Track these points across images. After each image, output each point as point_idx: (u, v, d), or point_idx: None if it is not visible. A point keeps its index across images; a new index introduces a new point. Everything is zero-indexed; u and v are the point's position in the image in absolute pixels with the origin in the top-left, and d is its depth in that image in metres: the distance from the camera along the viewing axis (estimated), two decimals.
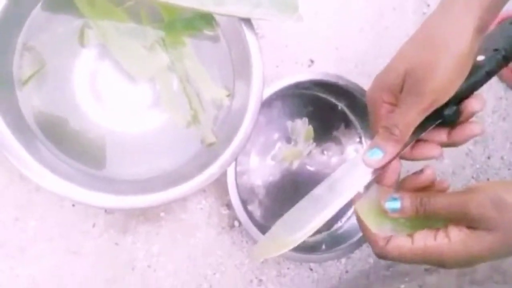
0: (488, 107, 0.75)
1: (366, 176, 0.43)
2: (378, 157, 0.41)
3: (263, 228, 0.60)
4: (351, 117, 0.65)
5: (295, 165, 0.63)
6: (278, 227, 0.43)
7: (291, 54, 0.66)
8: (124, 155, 0.53)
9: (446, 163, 0.73)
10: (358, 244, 0.61)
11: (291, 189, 0.63)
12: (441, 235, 0.40)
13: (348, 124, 0.66)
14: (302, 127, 0.62)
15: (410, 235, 0.41)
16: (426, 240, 0.40)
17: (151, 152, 0.53)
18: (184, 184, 0.50)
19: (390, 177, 0.44)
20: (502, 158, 0.77)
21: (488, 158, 0.76)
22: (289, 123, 0.63)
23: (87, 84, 0.53)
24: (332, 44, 0.68)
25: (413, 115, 0.40)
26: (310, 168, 0.64)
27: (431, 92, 0.39)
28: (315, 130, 0.63)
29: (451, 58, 0.39)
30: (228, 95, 0.54)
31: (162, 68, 0.52)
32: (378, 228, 0.42)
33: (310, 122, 0.63)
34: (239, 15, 0.47)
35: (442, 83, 0.39)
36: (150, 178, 0.52)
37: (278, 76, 0.62)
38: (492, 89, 0.76)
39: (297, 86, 0.60)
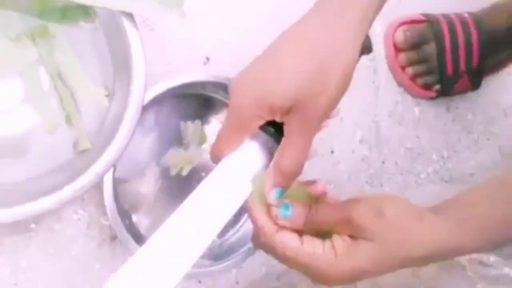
0: (384, 111, 0.76)
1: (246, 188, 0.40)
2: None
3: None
4: None
5: (186, 171, 0.59)
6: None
7: (185, 51, 0.62)
8: None
9: (341, 169, 0.73)
10: (250, 252, 0.59)
11: (184, 196, 0.59)
12: (327, 245, 0.39)
13: None
14: (195, 130, 0.58)
15: (300, 235, 0.39)
16: (315, 247, 0.38)
17: (16, 157, 0.47)
18: (51, 195, 0.45)
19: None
20: (396, 163, 0.78)
21: (383, 163, 0.77)
22: (182, 125, 0.59)
23: None
24: (230, 41, 0.65)
25: (309, 142, 0.39)
26: (204, 174, 0.60)
27: (324, 115, 0.39)
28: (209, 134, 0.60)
29: (341, 77, 0.38)
30: (106, 95, 0.49)
31: (29, 62, 0.46)
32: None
33: (205, 125, 0.60)
34: (117, 8, 0.43)
35: (332, 104, 0.39)
36: (13, 187, 0.46)
37: (170, 74, 0.58)
38: (389, 93, 0.77)
39: (190, 85, 0.57)
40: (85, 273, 0.55)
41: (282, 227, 0.39)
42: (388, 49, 0.75)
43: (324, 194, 0.41)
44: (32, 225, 0.52)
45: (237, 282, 0.64)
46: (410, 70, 0.74)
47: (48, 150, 0.48)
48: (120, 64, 0.49)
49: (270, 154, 0.42)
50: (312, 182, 0.42)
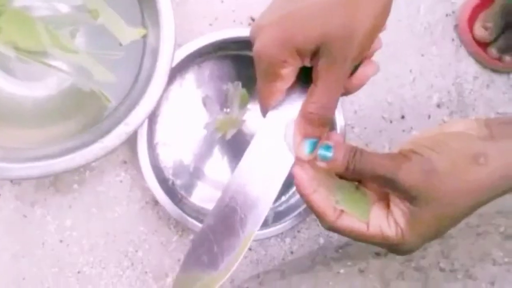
0: (467, 72, 0.66)
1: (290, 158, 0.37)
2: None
3: (194, 207, 0.55)
4: None
5: (230, 135, 0.56)
6: (189, 261, 0.37)
7: (228, 11, 0.58)
8: (20, 120, 0.48)
9: None
10: (303, 216, 0.55)
11: (226, 161, 0.58)
12: (391, 221, 0.36)
13: None
14: (236, 92, 0.56)
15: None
16: (382, 226, 0.36)
17: (50, 118, 0.49)
18: (83, 150, 0.45)
19: None
20: None
21: None
22: (223, 87, 0.56)
23: None
24: None
25: (339, 85, 0.34)
26: (247, 137, 0.57)
27: (357, 54, 0.34)
28: (251, 96, 0.56)
29: (375, 9, 0.33)
30: (144, 35, 0.48)
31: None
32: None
33: (246, 86, 0.56)
34: None
35: (367, 41, 0.34)
36: (45, 146, 0.47)
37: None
38: None
39: (232, 43, 0.53)
40: (129, 234, 0.55)
41: (341, 212, 0.36)
42: (469, 43, 0.66)
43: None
44: (75, 186, 0.54)
45: (291, 252, 0.61)
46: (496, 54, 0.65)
47: (81, 109, 0.49)
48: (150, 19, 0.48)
49: None
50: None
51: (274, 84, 0.36)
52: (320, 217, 0.37)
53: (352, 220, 0.36)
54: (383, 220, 0.36)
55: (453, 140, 0.35)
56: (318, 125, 0.35)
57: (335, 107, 0.35)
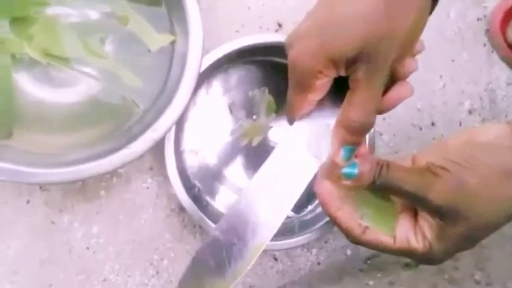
0: (500, 78, 0.65)
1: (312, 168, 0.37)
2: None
3: (219, 215, 0.55)
4: None
5: (256, 142, 0.56)
6: (196, 264, 0.36)
7: (255, 17, 0.58)
8: (48, 126, 0.49)
9: None
10: (330, 226, 0.54)
11: (253, 168, 0.57)
12: (419, 235, 0.36)
13: None
14: (262, 98, 0.55)
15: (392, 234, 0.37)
16: (409, 240, 0.36)
17: (78, 124, 0.49)
18: (110, 156, 0.45)
19: None
20: None
21: None
22: (250, 94, 0.56)
23: None
24: (303, 7, 0.60)
25: (379, 91, 0.34)
26: (273, 144, 0.56)
27: (396, 56, 0.33)
28: (277, 102, 0.55)
29: (415, 12, 0.33)
30: (172, 41, 0.48)
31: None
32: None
33: (273, 93, 0.55)
34: None
35: (407, 46, 0.34)
36: (72, 152, 0.47)
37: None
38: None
39: (259, 49, 0.53)
40: (154, 242, 0.55)
41: (366, 227, 0.36)
42: (501, 48, 0.64)
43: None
44: (102, 192, 0.54)
45: (318, 263, 0.60)
46: None
47: (109, 116, 0.49)
48: (178, 26, 0.48)
49: None
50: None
51: (306, 95, 0.35)
52: (346, 233, 0.37)
53: (378, 234, 0.36)
54: (410, 233, 0.36)
55: (483, 154, 0.34)
56: (358, 133, 0.35)
57: (376, 113, 0.35)
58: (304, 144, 0.37)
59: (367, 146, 0.55)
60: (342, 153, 0.36)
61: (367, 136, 0.55)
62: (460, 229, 0.34)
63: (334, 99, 0.36)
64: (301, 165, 0.37)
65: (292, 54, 0.34)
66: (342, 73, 0.34)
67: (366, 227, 0.36)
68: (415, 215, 0.37)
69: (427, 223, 0.35)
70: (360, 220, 0.37)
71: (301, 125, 0.37)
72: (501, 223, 0.34)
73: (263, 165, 0.37)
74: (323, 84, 0.35)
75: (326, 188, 0.37)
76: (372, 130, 0.56)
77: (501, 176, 0.33)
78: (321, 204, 0.37)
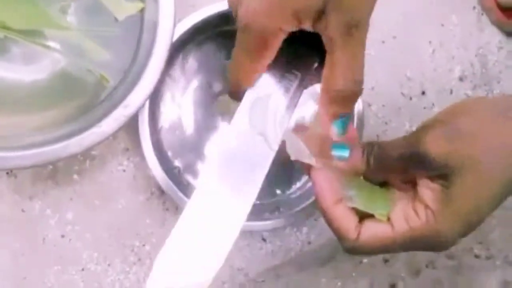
0: (491, 42, 0.62)
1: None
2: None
3: None
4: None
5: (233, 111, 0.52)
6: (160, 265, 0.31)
7: None
8: (11, 106, 0.45)
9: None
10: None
11: None
12: (420, 208, 0.31)
13: None
14: None
15: (387, 219, 0.32)
16: (408, 220, 0.31)
17: (43, 102, 0.45)
18: (79, 136, 0.42)
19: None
20: None
21: None
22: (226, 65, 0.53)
23: None
24: None
25: (362, 48, 0.29)
26: None
27: (370, 10, 0.29)
28: None
29: None
30: (141, 9, 0.45)
31: None
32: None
33: None
34: None
35: None
36: (38, 133, 0.44)
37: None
38: None
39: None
40: (135, 227, 0.52)
41: (361, 226, 0.31)
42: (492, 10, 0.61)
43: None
44: (75, 176, 0.50)
45: (309, 242, 0.57)
46: None
47: (77, 92, 0.45)
48: None
49: (301, 83, 0.33)
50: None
51: (261, 59, 0.30)
52: (341, 236, 0.32)
53: (373, 226, 0.31)
54: (408, 210, 0.31)
55: (479, 103, 0.31)
56: (349, 101, 0.31)
57: (363, 75, 0.30)
58: (247, 121, 0.32)
59: (355, 125, 0.52)
60: (335, 129, 0.31)
61: (355, 114, 0.52)
62: (464, 185, 0.29)
63: (275, 65, 0.32)
64: (251, 146, 0.31)
65: (242, 12, 0.29)
66: (308, 27, 0.29)
67: (361, 225, 0.32)
68: (414, 197, 0.32)
69: (428, 190, 0.30)
70: (349, 203, 0.32)
71: (253, 98, 0.32)
72: (507, 175, 0.29)
73: (216, 153, 0.32)
74: (279, 43, 0.30)
75: (324, 177, 0.32)
76: (361, 105, 0.53)
77: (499, 116, 0.30)
78: (317, 196, 0.32)
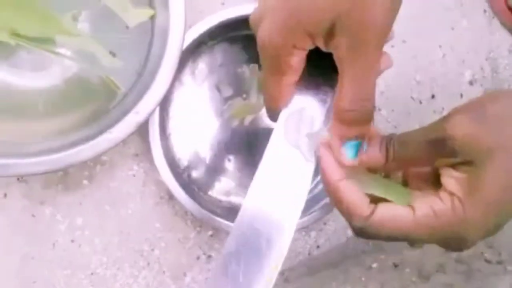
0: (501, 46, 0.61)
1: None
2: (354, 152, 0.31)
3: (211, 201, 0.52)
4: None
5: (248, 121, 0.52)
6: None
7: None
8: (23, 113, 0.45)
9: None
10: (329, 207, 0.51)
11: (245, 149, 0.54)
12: (444, 195, 0.29)
13: None
14: (252, 75, 0.51)
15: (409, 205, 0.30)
16: (433, 205, 0.29)
17: (55, 109, 0.45)
18: (90, 141, 0.42)
19: None
20: None
21: None
22: (238, 70, 0.52)
23: None
24: None
25: (369, 70, 0.29)
26: (266, 123, 0.52)
27: (381, 32, 0.28)
28: None
29: None
30: (152, 16, 0.44)
31: None
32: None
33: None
34: None
35: (390, 16, 0.28)
36: (50, 139, 0.44)
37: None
38: None
39: (245, 21, 0.50)
40: (144, 232, 0.52)
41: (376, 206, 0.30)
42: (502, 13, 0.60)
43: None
44: (85, 182, 0.50)
45: (318, 247, 0.57)
46: None
47: (88, 99, 0.45)
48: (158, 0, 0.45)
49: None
50: None
51: (283, 77, 0.31)
52: (351, 212, 0.30)
53: (391, 207, 0.30)
54: (432, 198, 0.29)
55: (506, 92, 0.30)
56: (357, 124, 0.30)
57: (374, 95, 0.29)
58: (282, 136, 0.32)
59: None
60: (345, 152, 0.30)
61: None
62: (492, 171, 0.27)
63: (308, 80, 0.32)
64: (299, 163, 0.32)
65: (260, 33, 0.30)
66: (321, 45, 0.29)
67: (376, 205, 0.30)
68: (437, 187, 0.31)
69: (453, 179, 0.29)
70: (366, 191, 0.30)
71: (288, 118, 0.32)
72: None
73: (258, 171, 0.32)
74: (300, 61, 0.30)
75: (331, 153, 0.31)
76: None
77: None
78: (323, 171, 0.31)
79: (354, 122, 0.29)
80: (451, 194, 0.29)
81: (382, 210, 0.30)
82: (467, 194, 0.28)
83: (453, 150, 0.28)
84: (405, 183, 0.33)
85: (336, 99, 0.29)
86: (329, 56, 0.30)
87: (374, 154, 0.30)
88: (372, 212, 0.30)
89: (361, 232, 0.30)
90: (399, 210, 0.29)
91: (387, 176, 0.33)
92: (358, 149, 0.30)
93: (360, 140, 0.30)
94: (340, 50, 0.28)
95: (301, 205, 0.31)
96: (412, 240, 0.30)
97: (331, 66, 0.30)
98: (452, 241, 0.29)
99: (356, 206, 0.30)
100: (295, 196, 0.31)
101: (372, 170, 0.32)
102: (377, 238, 0.30)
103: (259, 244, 0.31)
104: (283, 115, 0.33)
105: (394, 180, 0.33)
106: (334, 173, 0.30)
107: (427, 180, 0.32)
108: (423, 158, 0.29)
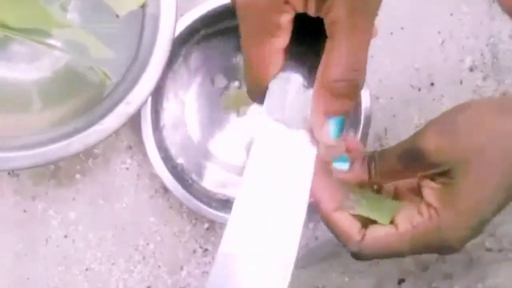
0: (502, 31, 0.60)
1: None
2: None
3: (206, 193, 0.51)
4: None
5: (243, 112, 0.51)
6: None
7: None
8: (12, 105, 0.44)
9: (445, 105, 0.60)
10: None
11: (241, 141, 0.53)
12: (423, 208, 0.30)
13: None
14: None
15: (391, 222, 0.31)
16: (412, 220, 0.30)
17: (45, 102, 0.44)
18: (81, 133, 0.41)
19: None
20: None
21: (504, 95, 0.63)
22: (234, 61, 0.51)
23: None
24: None
25: (367, 38, 0.25)
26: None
27: None
28: None
29: None
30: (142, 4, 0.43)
31: None
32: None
33: None
34: None
35: None
36: (40, 132, 0.43)
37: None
38: None
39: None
40: (138, 226, 0.51)
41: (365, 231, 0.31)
42: None
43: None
44: (78, 176, 0.49)
45: (316, 238, 0.56)
46: None
47: (78, 91, 0.44)
48: None
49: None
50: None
51: (271, 39, 0.25)
52: (345, 239, 0.31)
53: (378, 228, 0.31)
54: (412, 212, 0.30)
55: (475, 102, 0.31)
56: (346, 96, 0.26)
57: (365, 66, 0.26)
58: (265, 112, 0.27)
59: (359, 135, 0.50)
60: (329, 127, 0.26)
61: (363, 110, 0.50)
62: (465, 182, 0.28)
63: (301, 55, 0.27)
64: (275, 138, 0.26)
65: None
66: (312, 6, 0.25)
67: (365, 229, 0.31)
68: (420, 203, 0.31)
69: (430, 190, 0.30)
70: (350, 210, 0.31)
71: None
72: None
73: (246, 174, 0.26)
74: (290, 21, 0.25)
75: (323, 183, 0.31)
76: (368, 100, 0.51)
77: (496, 111, 0.29)
78: (316, 201, 0.31)
79: (342, 95, 0.26)
80: (428, 205, 0.30)
81: (371, 233, 0.31)
82: (442, 205, 0.29)
83: (431, 162, 0.29)
84: (396, 196, 0.34)
85: (326, 66, 0.25)
86: (312, 23, 0.26)
87: (357, 171, 0.31)
88: (363, 237, 0.31)
89: (358, 256, 0.32)
90: (385, 229, 0.31)
91: (380, 188, 0.34)
92: (341, 128, 0.26)
93: (344, 117, 0.26)
94: (336, 13, 0.24)
95: (304, 201, 0.26)
96: (400, 254, 0.31)
97: (315, 33, 0.26)
98: (432, 248, 0.30)
99: (349, 233, 0.31)
100: (296, 187, 0.26)
101: (362, 185, 0.33)
102: (374, 258, 0.31)
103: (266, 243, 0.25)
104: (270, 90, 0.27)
105: (386, 193, 0.34)
106: (328, 204, 0.31)
107: (417, 192, 0.32)
108: (402, 171, 0.30)
